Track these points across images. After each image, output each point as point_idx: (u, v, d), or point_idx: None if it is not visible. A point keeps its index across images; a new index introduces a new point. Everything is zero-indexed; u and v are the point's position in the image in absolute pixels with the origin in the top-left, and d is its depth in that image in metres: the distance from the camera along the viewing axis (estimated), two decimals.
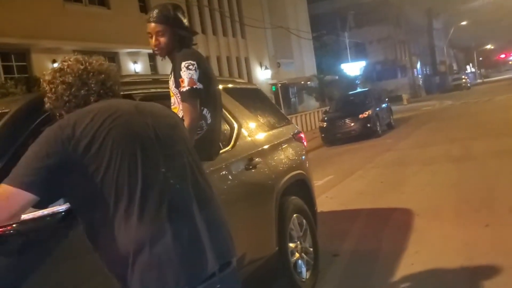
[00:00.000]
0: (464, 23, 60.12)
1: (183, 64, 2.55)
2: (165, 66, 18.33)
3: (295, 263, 3.73)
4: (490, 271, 3.68)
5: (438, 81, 55.82)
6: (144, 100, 2.69)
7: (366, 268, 4.22)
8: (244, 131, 3.52)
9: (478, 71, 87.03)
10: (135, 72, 17.37)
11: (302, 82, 30.35)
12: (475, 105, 22.07)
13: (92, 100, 1.71)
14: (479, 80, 73.16)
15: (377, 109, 17.06)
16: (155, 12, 2.59)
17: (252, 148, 3.50)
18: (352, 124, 16.09)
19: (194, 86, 2.54)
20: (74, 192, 1.58)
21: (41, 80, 1.76)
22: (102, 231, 1.58)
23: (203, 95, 2.60)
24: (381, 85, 35.95)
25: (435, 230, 4.90)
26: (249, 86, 4.69)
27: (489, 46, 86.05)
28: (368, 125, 15.98)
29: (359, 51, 40.04)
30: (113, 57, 16.98)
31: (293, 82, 29.59)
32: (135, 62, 17.55)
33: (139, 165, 1.59)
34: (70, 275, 1.96)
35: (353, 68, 32.94)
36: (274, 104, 4.99)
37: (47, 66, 13.95)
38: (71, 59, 1.75)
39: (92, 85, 1.71)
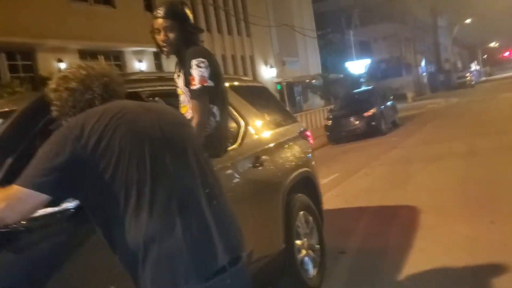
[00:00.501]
0: (468, 20, 59.84)
1: (194, 61, 2.55)
2: (170, 64, 18.41)
3: (302, 260, 3.73)
4: (495, 268, 3.67)
5: (443, 79, 55.62)
6: (151, 97, 2.74)
7: (372, 265, 4.22)
8: (251, 129, 3.52)
9: (483, 69, 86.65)
10: (140, 70, 17.39)
11: (307, 81, 30.32)
12: (479, 103, 21.98)
13: (96, 103, 1.74)
14: (483, 78, 72.86)
15: (382, 107, 17.03)
16: (163, 8, 2.59)
17: (258, 146, 3.51)
18: (357, 122, 16.08)
19: (205, 84, 2.54)
20: (84, 191, 1.61)
21: (46, 89, 1.81)
22: (114, 228, 1.61)
23: (213, 93, 2.61)
24: (386, 83, 35.87)
25: (441, 227, 4.90)
26: (255, 84, 4.70)
27: (493, 44, 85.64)
28: (373, 123, 15.96)
29: (364, 49, 39.94)
30: (118, 56, 17.02)
31: (298, 81, 29.55)
32: (140, 61, 17.58)
33: (147, 162, 1.62)
34: (80, 271, 1.97)
35: (358, 66, 32.84)
36: (280, 102, 5.01)
37: (52, 65, 14.01)
38: (74, 66, 1.80)
39: (95, 88, 1.75)
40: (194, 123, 2.49)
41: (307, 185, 4.10)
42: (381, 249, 4.57)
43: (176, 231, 1.58)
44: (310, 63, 31.90)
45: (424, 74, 53.29)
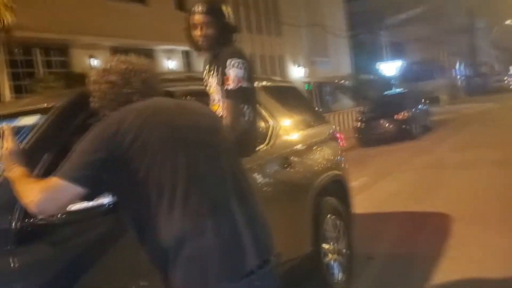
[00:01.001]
0: (508, 21, 58.19)
1: (230, 61, 2.54)
2: (199, 63, 18.54)
3: (329, 264, 3.70)
4: None
5: (479, 83, 54.22)
6: (183, 96, 2.74)
7: (401, 272, 4.14)
8: (280, 129, 3.50)
9: None
10: (170, 69, 17.58)
11: (337, 81, 30.04)
12: None
13: (135, 99, 1.76)
14: None
15: (414, 110, 16.71)
16: (203, 4, 2.61)
17: (288, 147, 3.49)
18: (388, 125, 15.83)
19: (240, 84, 2.53)
20: (119, 187, 1.64)
21: (87, 80, 1.83)
22: (146, 225, 1.63)
23: (247, 94, 2.60)
24: (419, 86, 35.17)
25: (474, 236, 4.76)
26: (285, 84, 4.67)
27: None
28: (404, 126, 15.68)
29: (396, 51, 39.36)
30: (148, 54, 17.20)
31: (328, 81, 29.31)
32: (169, 59, 17.77)
33: (180, 161, 1.63)
34: (111, 267, 2.00)
35: (389, 67, 32.41)
36: (310, 103, 4.96)
37: (85, 62, 14.30)
38: (115, 60, 1.83)
39: (134, 83, 1.77)
40: (225, 123, 2.47)
41: (337, 188, 4.05)
42: (409, 256, 4.49)
43: (207, 232, 1.58)
44: (340, 64, 31.63)
45: (459, 77, 52.18)
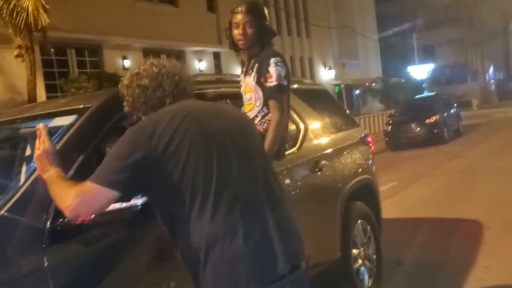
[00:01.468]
0: None
1: (273, 60, 2.62)
2: (228, 65, 18.70)
3: (358, 269, 3.64)
4: None
5: None
6: (214, 98, 2.75)
7: (430, 280, 4.07)
8: (310, 133, 3.47)
9: None
10: (200, 70, 17.71)
11: (367, 84, 29.74)
12: None
13: (167, 102, 1.77)
14: None
15: (445, 114, 16.42)
16: (245, 4, 2.67)
17: (318, 151, 3.46)
18: (418, 129, 15.59)
19: (282, 82, 2.60)
20: (154, 189, 1.65)
21: (120, 85, 1.85)
22: (178, 226, 1.64)
23: (287, 92, 2.67)
24: (450, 90, 34.52)
25: (507, 244, 4.64)
26: (316, 87, 4.63)
27: None
28: (435, 130, 15.43)
29: (428, 54, 38.72)
30: (179, 55, 17.41)
31: (357, 84, 29.06)
32: (200, 61, 17.92)
33: (214, 164, 1.63)
34: (142, 266, 2.02)
35: (420, 71, 31.87)
36: (341, 106, 4.91)
37: (117, 62, 14.55)
38: (147, 63, 1.83)
39: (166, 86, 1.78)
40: (274, 120, 2.55)
41: (367, 193, 3.99)
42: (440, 263, 4.39)
43: (238, 236, 1.58)
44: (370, 66, 31.30)
45: (492, 81, 50.93)
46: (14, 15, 9.25)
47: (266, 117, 2.66)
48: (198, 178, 1.60)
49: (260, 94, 2.66)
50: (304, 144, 3.33)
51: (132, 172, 1.58)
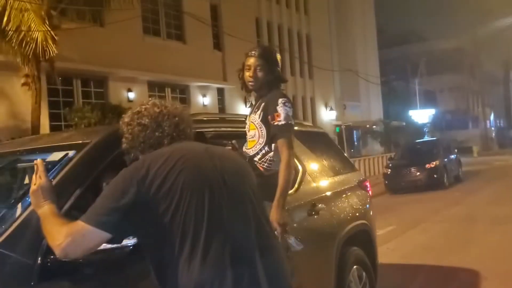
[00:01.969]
0: None
1: (281, 100, 2.70)
2: (231, 100, 18.88)
3: None
4: None
5: None
6: (214, 137, 2.77)
7: None
8: (308, 175, 3.47)
9: None
10: (203, 105, 17.88)
11: (368, 126, 29.96)
12: None
13: (165, 142, 1.79)
14: None
15: (445, 159, 16.42)
16: (259, 49, 2.82)
17: (315, 194, 3.45)
18: (418, 173, 15.55)
19: (290, 122, 2.68)
20: (144, 231, 1.64)
21: (120, 121, 1.87)
22: (167, 269, 1.62)
23: (293, 132, 2.73)
24: (451, 135, 34.71)
25: None
26: (315, 130, 4.66)
27: None
28: (435, 175, 15.38)
29: (429, 99, 39.11)
30: (184, 90, 17.63)
31: (358, 125, 29.27)
32: (204, 96, 18.12)
33: (205, 208, 1.63)
34: None
35: (421, 115, 32.12)
36: (340, 150, 4.92)
37: (122, 94, 14.71)
38: (149, 103, 1.86)
39: (166, 127, 1.80)
40: (284, 157, 2.58)
41: (363, 238, 3.95)
42: None
43: (227, 282, 1.56)
44: (371, 109, 31.59)
45: (493, 128, 51.24)
46: (23, 45, 9.43)
47: (266, 156, 2.70)
48: (189, 222, 1.59)
49: (264, 132, 2.71)
50: (301, 187, 3.32)
51: (124, 214, 1.57)
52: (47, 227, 1.64)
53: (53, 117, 12.92)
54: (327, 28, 27.96)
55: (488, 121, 50.47)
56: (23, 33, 9.33)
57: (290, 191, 3.20)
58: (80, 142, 2.27)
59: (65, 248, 1.56)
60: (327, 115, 26.32)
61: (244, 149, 2.80)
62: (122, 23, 13.07)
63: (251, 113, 2.84)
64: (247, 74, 2.77)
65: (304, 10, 26.38)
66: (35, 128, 10.21)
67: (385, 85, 33.60)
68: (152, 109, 1.82)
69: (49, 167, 1.99)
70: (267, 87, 2.78)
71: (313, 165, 3.64)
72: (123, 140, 1.85)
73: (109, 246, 1.79)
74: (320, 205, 3.37)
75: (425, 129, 30.93)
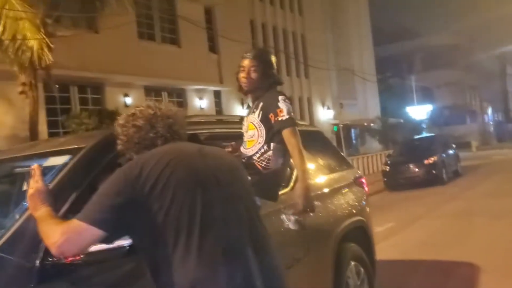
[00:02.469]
0: None
1: (281, 97, 2.74)
2: (228, 103, 18.91)
3: None
4: None
5: (511, 129, 53.22)
6: (209, 139, 2.80)
7: None
8: None
9: None
10: (201, 108, 17.92)
11: (365, 124, 30.00)
12: None
13: (159, 143, 1.83)
14: None
15: (443, 155, 16.46)
16: (253, 51, 2.86)
17: (311, 191, 3.46)
18: (417, 169, 15.58)
19: (292, 115, 2.71)
20: (138, 230, 1.68)
21: (115, 124, 1.92)
22: (162, 269, 1.65)
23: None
24: (449, 131, 34.77)
25: None
26: (311, 128, 4.69)
27: None
28: (433, 171, 15.42)
29: (426, 95, 39.17)
30: (180, 93, 17.66)
31: (356, 123, 29.31)
32: (201, 99, 18.15)
33: (198, 207, 1.66)
34: None
35: (419, 111, 32.18)
36: (335, 148, 4.96)
37: (119, 100, 14.74)
38: (144, 105, 1.91)
39: (160, 128, 1.84)
40: (294, 144, 2.62)
41: (360, 234, 3.99)
42: None
43: (220, 280, 1.59)
44: (369, 107, 31.64)
45: (491, 122, 51.30)
46: (20, 54, 9.45)
47: (265, 155, 2.71)
48: (182, 220, 1.62)
49: (263, 131, 2.73)
50: (297, 185, 3.34)
51: (118, 211, 1.61)
52: (43, 228, 1.68)
53: (51, 124, 12.95)
54: (322, 27, 28.01)
55: (486, 116, 50.57)
56: (19, 41, 9.36)
57: (286, 190, 3.24)
58: (76, 147, 2.30)
59: (60, 246, 1.59)
60: (324, 115, 26.37)
61: (242, 149, 2.82)
62: (116, 28, 13.09)
63: (249, 114, 2.86)
64: (241, 75, 2.80)
65: (299, 11, 26.44)
66: (34, 136, 10.23)
67: (381, 82, 33.68)
68: (146, 111, 1.88)
69: (46, 171, 2.02)
70: (262, 88, 2.80)
71: (308, 164, 3.65)
72: (118, 141, 1.89)
73: (105, 246, 1.82)
74: (316, 203, 3.38)
75: (423, 125, 30.98)
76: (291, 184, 3.32)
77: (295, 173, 3.40)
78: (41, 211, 1.73)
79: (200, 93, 18.19)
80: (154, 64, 15.72)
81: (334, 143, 22.93)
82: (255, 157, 2.72)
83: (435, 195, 12.98)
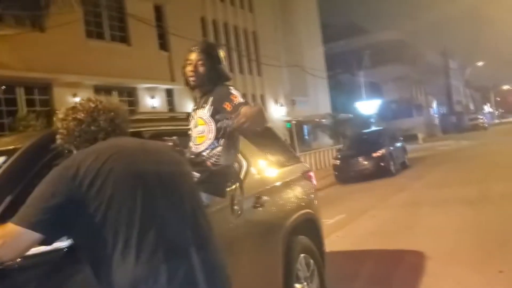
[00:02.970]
0: (480, 63, 60.30)
1: (231, 88, 2.69)
2: (181, 101, 18.75)
3: None
4: None
5: (455, 121, 55.55)
6: (153, 137, 2.77)
7: None
8: (252, 169, 3.52)
9: (496, 112, 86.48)
10: (152, 106, 17.68)
11: (317, 120, 30.49)
12: (492, 146, 21.78)
13: (100, 137, 1.79)
14: (496, 121, 72.61)
15: (391, 148, 16.95)
16: (201, 44, 2.78)
17: (260, 186, 3.51)
18: (366, 162, 15.97)
19: (246, 100, 2.65)
20: (77, 230, 1.63)
21: (55, 118, 1.87)
22: (103, 268, 1.62)
23: None
24: (397, 124, 35.86)
25: (448, 274, 4.80)
26: None
27: (506, 87, 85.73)
28: (382, 164, 15.85)
29: (374, 90, 40.15)
30: (131, 92, 17.36)
31: (308, 120, 29.74)
32: (152, 97, 17.91)
33: (138, 204, 1.63)
34: None
35: (368, 106, 32.99)
36: (284, 142, 5.03)
37: (68, 100, 14.30)
38: (84, 99, 1.87)
39: (101, 121, 1.81)
40: (261, 112, 2.49)
41: (309, 227, 4.05)
42: None
43: (161, 279, 1.57)
44: (320, 103, 32.16)
45: (436, 115, 53.26)
46: None
47: (214, 151, 2.67)
48: (122, 219, 1.59)
49: (213, 127, 2.67)
50: (246, 180, 3.36)
51: (55, 213, 1.56)
52: None
53: None
54: (272, 25, 28.22)
55: (431, 109, 52.46)
56: None
57: (234, 186, 3.26)
58: (12, 147, 2.22)
59: None
60: (277, 111, 26.59)
61: (191, 145, 2.77)
62: (63, 27, 12.73)
63: (197, 108, 2.79)
64: (188, 69, 2.73)
65: (249, 8, 26.52)
66: None
67: (331, 79, 34.28)
68: (87, 104, 1.84)
69: None
70: (210, 83, 2.72)
71: (256, 159, 3.69)
72: (59, 136, 1.84)
73: (42, 249, 1.77)
74: (264, 197, 3.43)
75: (371, 119, 31.78)
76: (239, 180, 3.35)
77: (243, 168, 3.46)
78: None
79: (151, 92, 17.93)
80: (103, 63, 15.37)
81: (288, 140, 23.23)
82: (204, 153, 2.68)
83: (384, 186, 13.36)
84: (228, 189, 2.98)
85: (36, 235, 1.56)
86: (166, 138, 2.75)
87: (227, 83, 2.83)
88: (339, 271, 5.17)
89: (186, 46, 2.84)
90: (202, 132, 2.73)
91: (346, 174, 15.99)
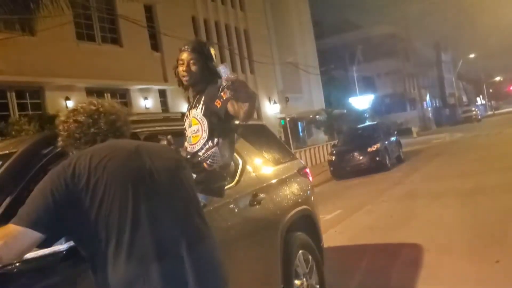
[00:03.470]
0: (472, 55, 60.59)
1: (223, 86, 2.58)
2: (175, 102, 18.71)
3: None
4: None
5: (448, 114, 55.82)
6: (148, 138, 2.78)
7: None
8: (248, 167, 3.54)
9: (489, 103, 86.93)
10: (146, 107, 17.63)
11: (311, 116, 30.54)
12: (486, 138, 21.92)
13: (98, 139, 1.81)
14: (489, 112, 73.01)
15: (386, 142, 17.00)
16: (192, 43, 2.77)
17: (256, 184, 3.53)
18: (361, 157, 16.01)
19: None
20: (75, 228, 1.66)
21: (56, 120, 1.89)
22: (98, 267, 1.64)
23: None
24: (390, 118, 36.03)
25: (446, 266, 4.83)
26: (254, 123, 4.75)
27: (498, 78, 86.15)
28: (377, 158, 15.89)
29: (368, 85, 40.29)
30: (124, 94, 17.30)
31: (302, 116, 29.78)
32: (145, 98, 17.85)
33: (130, 203, 1.65)
34: None
35: (361, 101, 33.09)
36: (279, 140, 5.04)
37: (60, 103, 14.25)
38: (86, 102, 1.89)
39: (102, 124, 1.83)
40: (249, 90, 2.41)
41: (307, 223, 4.07)
42: None
43: (152, 278, 1.59)
44: (313, 99, 32.22)
45: (429, 108, 53.48)
46: None
47: (209, 152, 2.67)
48: (113, 218, 1.62)
49: (206, 126, 2.68)
50: (242, 179, 3.38)
51: (53, 212, 1.58)
52: None
53: None
54: (264, 22, 28.20)
55: (424, 102, 52.66)
56: None
57: (231, 184, 3.27)
58: (7, 152, 2.22)
59: None
60: (271, 109, 26.59)
61: (187, 144, 2.77)
62: (53, 30, 12.61)
63: (190, 108, 2.81)
64: (181, 69, 2.73)
65: (240, 6, 26.48)
66: None
67: (325, 74, 34.33)
68: (88, 107, 1.86)
69: None
70: (203, 81, 2.74)
71: (252, 157, 3.71)
72: (59, 138, 1.86)
73: (40, 253, 1.77)
74: (261, 195, 3.44)
75: (365, 114, 31.87)
76: (236, 178, 3.37)
77: (239, 166, 3.47)
78: None
79: (144, 93, 17.88)
80: (95, 65, 15.30)
81: (282, 137, 23.27)
82: (200, 154, 2.69)
83: (380, 181, 13.41)
84: (225, 187, 2.99)
85: (37, 235, 1.57)
86: (160, 136, 2.74)
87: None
88: (338, 266, 5.19)
89: (178, 46, 2.83)
90: (196, 131, 2.73)
91: (341, 170, 16.03)
